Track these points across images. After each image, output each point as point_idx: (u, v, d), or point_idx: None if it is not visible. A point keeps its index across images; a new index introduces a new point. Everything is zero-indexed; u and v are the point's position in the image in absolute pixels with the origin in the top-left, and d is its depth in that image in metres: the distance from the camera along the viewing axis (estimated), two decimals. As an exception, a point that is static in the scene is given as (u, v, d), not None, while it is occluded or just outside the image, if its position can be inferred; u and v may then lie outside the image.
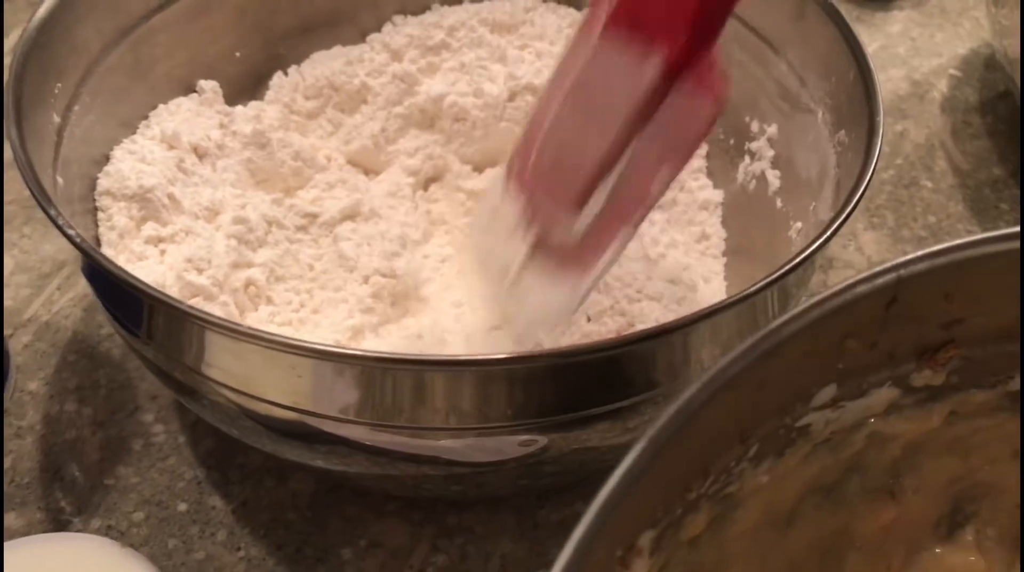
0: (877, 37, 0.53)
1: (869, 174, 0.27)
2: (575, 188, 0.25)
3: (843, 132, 0.31)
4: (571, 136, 0.25)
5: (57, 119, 0.31)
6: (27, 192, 0.41)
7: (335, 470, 0.29)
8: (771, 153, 0.36)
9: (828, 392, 0.21)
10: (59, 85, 0.31)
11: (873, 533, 0.26)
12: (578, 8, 0.41)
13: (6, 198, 0.42)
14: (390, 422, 0.24)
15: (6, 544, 0.27)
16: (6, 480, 0.33)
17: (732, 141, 0.37)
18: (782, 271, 0.24)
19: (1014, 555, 0.27)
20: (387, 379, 0.24)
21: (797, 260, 0.25)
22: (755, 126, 0.36)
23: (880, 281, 0.19)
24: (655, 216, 0.37)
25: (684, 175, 0.36)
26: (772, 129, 0.36)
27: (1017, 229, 0.20)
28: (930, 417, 0.24)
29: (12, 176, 0.43)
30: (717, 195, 0.37)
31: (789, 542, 0.25)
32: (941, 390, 0.24)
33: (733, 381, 0.18)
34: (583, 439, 0.26)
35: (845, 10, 0.54)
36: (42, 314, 0.37)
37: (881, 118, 0.29)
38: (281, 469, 0.33)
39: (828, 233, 0.26)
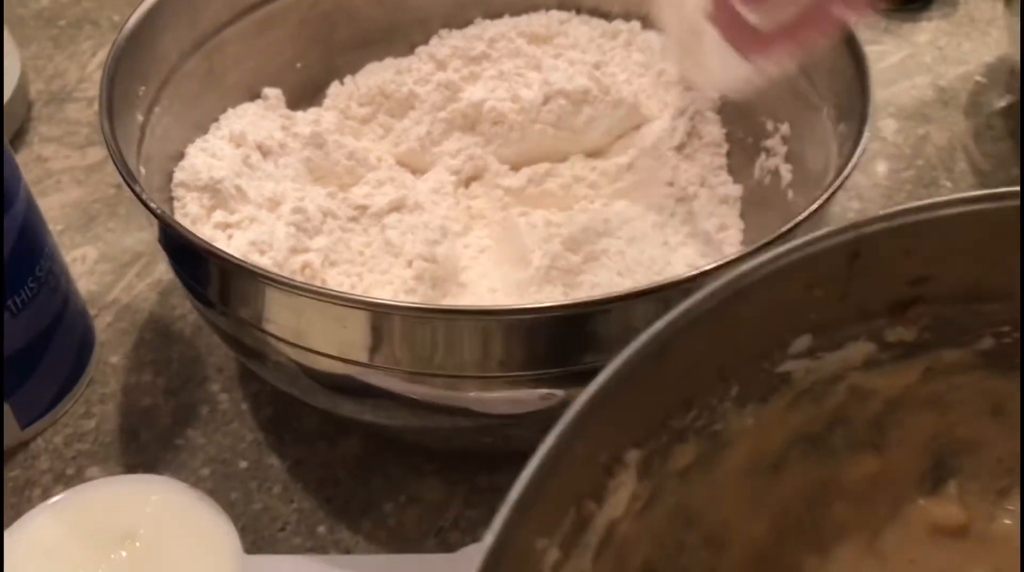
0: (904, 47, 0.55)
1: (857, 154, 0.30)
2: None
3: (843, 124, 0.34)
4: None
5: (140, 118, 0.35)
6: (111, 191, 0.47)
7: (381, 424, 0.32)
8: (784, 149, 0.38)
9: (804, 341, 0.24)
10: (143, 88, 0.35)
11: (859, 484, 0.28)
12: (607, 19, 0.44)
13: (92, 197, 0.46)
14: (422, 370, 0.28)
15: (92, 482, 0.31)
16: (90, 439, 0.37)
17: (750, 139, 0.40)
18: (769, 238, 0.27)
19: (995, 508, 0.29)
20: (419, 328, 0.27)
21: (785, 228, 0.28)
22: (770, 125, 0.39)
23: (841, 237, 0.22)
24: (678, 208, 0.39)
25: (706, 172, 0.40)
26: (784, 127, 0.38)
27: (970, 194, 0.23)
28: (907, 373, 0.26)
29: (97, 179, 0.47)
30: (736, 190, 0.40)
31: (778, 488, 0.27)
32: (915, 347, 0.26)
33: (706, 315, 0.21)
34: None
35: (872, 20, 0.57)
36: (123, 298, 0.42)
37: (872, 106, 0.32)
38: (332, 433, 0.37)
39: (815, 206, 0.28)
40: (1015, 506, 0.29)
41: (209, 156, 0.37)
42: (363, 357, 0.28)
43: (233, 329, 0.32)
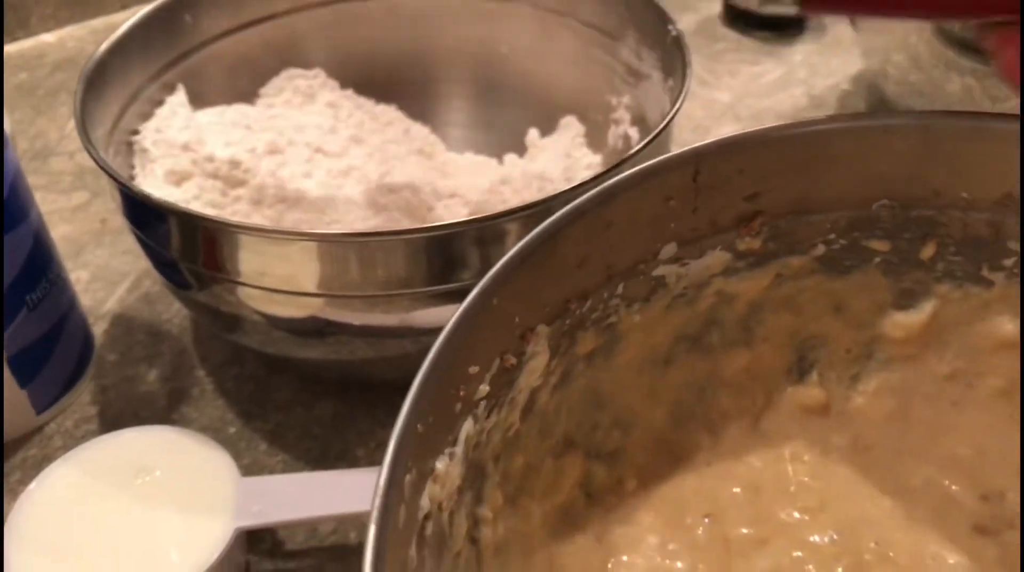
0: (782, 65, 0.64)
1: (685, 88, 0.38)
2: None
3: (670, 80, 0.42)
4: None
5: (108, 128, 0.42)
6: (96, 225, 0.53)
7: (342, 361, 0.38)
8: (628, 116, 0.47)
9: (671, 249, 0.31)
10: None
11: (736, 375, 0.35)
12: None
13: (79, 232, 0.53)
14: (356, 292, 0.34)
15: (107, 434, 0.36)
16: (97, 421, 0.42)
17: (600, 117, 0.49)
18: (624, 157, 0.35)
19: (849, 391, 0.35)
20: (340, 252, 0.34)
21: (636, 147, 0.36)
22: (614, 100, 0.47)
23: (683, 156, 0.29)
24: (554, 174, 0.47)
25: (569, 147, 0.48)
26: (626, 98, 0.47)
27: (788, 123, 0.30)
28: (761, 278, 0.33)
29: (82, 217, 0.54)
30: (596, 158, 0.48)
31: (670, 380, 0.34)
32: (764, 256, 0.32)
33: (582, 215, 0.27)
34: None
35: (754, 46, 0.66)
36: (115, 308, 0.48)
37: (688, 56, 0.40)
38: (307, 400, 0.43)
39: (660, 128, 0.37)
40: (865, 387, 0.36)
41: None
42: (313, 287, 0.34)
43: (207, 298, 0.38)
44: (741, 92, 0.62)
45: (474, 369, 0.25)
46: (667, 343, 0.33)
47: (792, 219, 0.32)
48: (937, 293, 0.33)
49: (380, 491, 0.19)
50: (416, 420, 0.22)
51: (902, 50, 0.51)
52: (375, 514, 0.19)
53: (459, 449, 0.25)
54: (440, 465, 0.24)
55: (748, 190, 0.31)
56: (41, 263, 0.40)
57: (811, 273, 0.33)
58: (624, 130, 0.47)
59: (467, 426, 0.25)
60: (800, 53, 0.66)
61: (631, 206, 0.29)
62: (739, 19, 0.68)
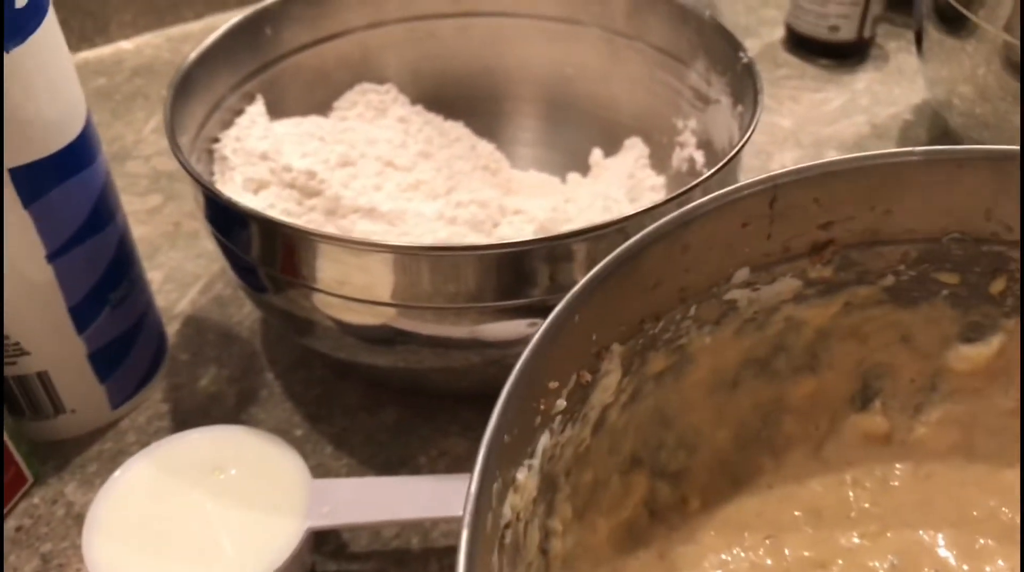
0: (844, 93, 0.65)
1: (756, 119, 0.39)
2: None
3: (740, 107, 0.42)
4: None
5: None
6: (170, 228, 0.54)
7: (411, 370, 0.39)
8: (694, 140, 0.47)
9: (744, 273, 0.31)
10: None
11: (801, 401, 0.35)
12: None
13: (155, 234, 0.54)
14: (427, 304, 0.35)
15: (181, 432, 0.38)
16: (168, 418, 0.44)
17: (665, 139, 0.49)
18: (695, 182, 0.36)
19: (912, 421, 0.36)
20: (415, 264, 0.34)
21: (708, 174, 0.36)
22: (680, 123, 0.48)
23: (762, 186, 0.30)
24: (618, 194, 0.47)
25: (633, 168, 0.48)
26: (692, 122, 0.47)
27: (864, 154, 0.31)
28: (830, 306, 0.34)
29: (158, 220, 0.55)
30: (660, 180, 0.49)
31: (736, 402, 0.34)
32: (834, 284, 0.33)
33: (663, 238, 0.28)
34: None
35: (816, 73, 0.67)
36: (188, 310, 0.49)
37: (760, 84, 0.41)
38: (371, 406, 0.44)
39: (733, 153, 0.37)
40: (928, 418, 0.36)
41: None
42: (387, 297, 0.35)
43: (280, 300, 0.39)
44: (803, 119, 0.62)
45: (553, 384, 0.26)
46: (735, 367, 0.34)
47: (863, 249, 0.33)
48: (1004, 328, 0.34)
49: (472, 496, 0.20)
50: (504, 430, 0.22)
51: (969, 81, 0.51)
52: (467, 519, 0.20)
53: (536, 461, 0.26)
54: (520, 476, 0.24)
55: (822, 219, 0.32)
56: (125, 262, 0.41)
57: (879, 303, 0.34)
58: (689, 153, 0.47)
59: (544, 439, 0.26)
60: (862, 81, 0.66)
61: (709, 230, 0.30)
62: (801, 45, 0.69)
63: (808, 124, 0.62)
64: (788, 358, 0.35)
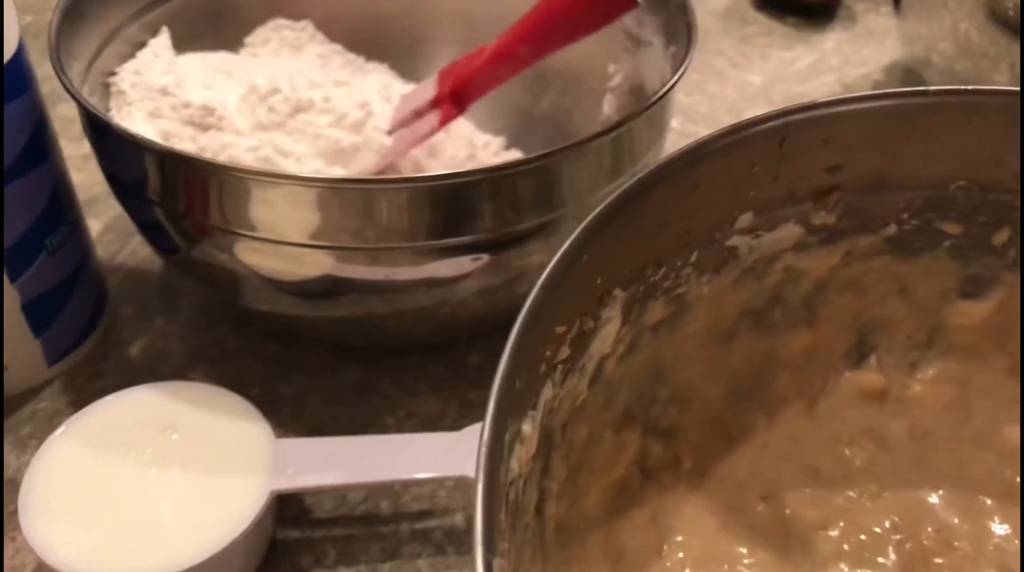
0: (813, 52, 0.63)
1: (689, 56, 0.37)
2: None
3: (672, 47, 0.40)
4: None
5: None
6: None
7: (357, 319, 0.36)
8: (627, 84, 0.45)
9: (747, 218, 0.30)
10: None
11: (796, 356, 0.34)
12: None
13: (91, 181, 0.50)
14: (363, 245, 0.32)
15: (130, 388, 0.34)
16: (111, 376, 0.40)
17: (596, 84, 0.46)
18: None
19: (908, 378, 0.34)
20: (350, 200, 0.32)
21: (657, 97, 0.35)
22: (611, 67, 0.45)
23: (771, 123, 0.28)
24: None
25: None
26: (625, 66, 0.45)
27: (878, 91, 0.29)
28: (830, 256, 0.32)
29: (93, 166, 0.51)
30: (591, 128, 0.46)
31: (730, 356, 0.33)
32: (836, 232, 0.32)
33: (670, 176, 0.26)
34: (517, 259, 0.34)
35: (785, 31, 0.65)
36: (129, 261, 0.46)
37: (695, 22, 0.38)
38: (333, 364, 0.41)
39: (663, 91, 0.36)
40: (923, 375, 0.35)
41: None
42: (304, 238, 0.32)
43: (198, 251, 0.35)
44: (773, 76, 0.61)
45: (561, 328, 0.24)
46: (731, 318, 0.32)
47: (868, 195, 0.31)
48: (1005, 282, 0.32)
49: (485, 443, 0.18)
50: (515, 375, 0.20)
51: (950, 37, 0.50)
52: (482, 470, 0.18)
53: (538, 414, 0.24)
54: (526, 428, 0.22)
55: (830, 161, 0.30)
56: (62, 207, 0.38)
57: (880, 253, 0.33)
58: (620, 99, 0.45)
59: (546, 390, 0.24)
60: (831, 41, 0.64)
61: (717, 169, 0.28)
62: (769, 3, 0.67)
63: (778, 82, 0.60)
64: (784, 310, 0.33)
